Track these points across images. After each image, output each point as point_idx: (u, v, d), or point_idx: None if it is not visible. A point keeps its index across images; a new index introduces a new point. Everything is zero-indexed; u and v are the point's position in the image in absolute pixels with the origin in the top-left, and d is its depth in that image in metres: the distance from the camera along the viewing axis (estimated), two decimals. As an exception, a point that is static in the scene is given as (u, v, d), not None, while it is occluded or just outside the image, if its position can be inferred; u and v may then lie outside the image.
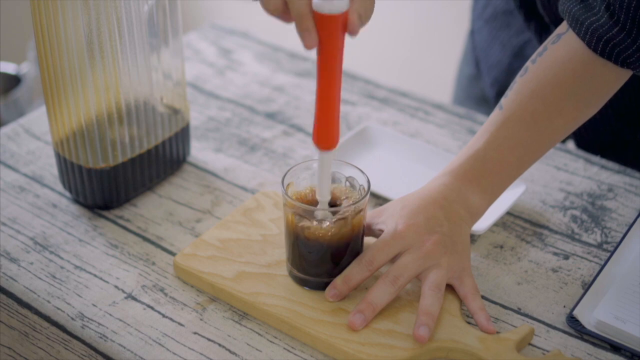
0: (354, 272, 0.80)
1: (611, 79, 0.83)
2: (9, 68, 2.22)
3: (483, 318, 0.79)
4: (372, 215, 0.85)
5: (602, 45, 0.80)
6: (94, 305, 0.84)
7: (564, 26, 0.85)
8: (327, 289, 0.80)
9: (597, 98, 0.85)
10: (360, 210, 0.80)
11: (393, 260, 0.81)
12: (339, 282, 0.80)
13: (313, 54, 1.25)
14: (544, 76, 0.84)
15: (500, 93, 1.21)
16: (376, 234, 0.84)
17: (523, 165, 0.86)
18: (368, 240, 0.85)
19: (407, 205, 0.83)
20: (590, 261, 0.89)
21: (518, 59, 1.17)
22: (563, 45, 0.83)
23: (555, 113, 0.84)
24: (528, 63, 0.86)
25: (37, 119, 1.10)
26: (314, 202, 0.81)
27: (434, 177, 0.86)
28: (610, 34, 0.79)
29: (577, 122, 0.86)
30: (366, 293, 0.79)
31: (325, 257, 0.81)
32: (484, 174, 0.84)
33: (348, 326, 0.78)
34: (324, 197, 0.78)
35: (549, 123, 0.84)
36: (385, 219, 0.83)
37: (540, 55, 0.85)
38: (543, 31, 1.06)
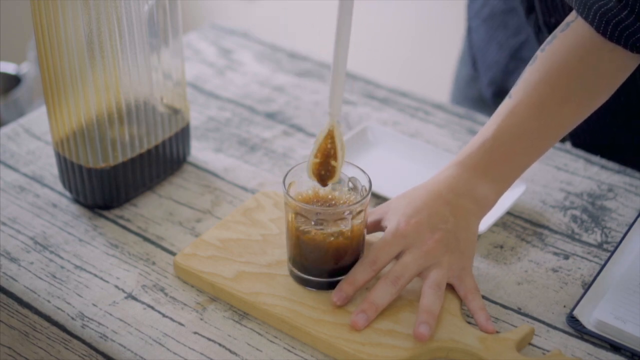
0: (358, 273, 0.80)
1: (620, 65, 0.82)
2: (9, 68, 2.22)
3: (483, 318, 0.79)
4: (378, 211, 0.85)
5: (610, 28, 0.80)
6: (94, 305, 0.84)
7: (572, 15, 0.85)
8: (334, 292, 0.80)
9: (605, 85, 0.84)
10: (361, 211, 0.80)
11: (397, 257, 0.81)
12: (345, 285, 0.80)
13: (313, 54, 1.25)
14: (553, 63, 0.83)
15: (497, 93, 1.21)
16: (383, 230, 0.84)
17: (532, 155, 0.85)
18: (373, 236, 0.85)
19: (411, 202, 0.82)
20: (590, 261, 0.89)
21: (515, 59, 1.17)
22: (572, 32, 0.83)
23: (563, 100, 0.83)
24: (537, 52, 0.85)
25: (37, 119, 1.10)
26: (315, 202, 0.81)
27: (442, 168, 0.85)
28: (619, 17, 0.79)
29: (586, 109, 0.85)
30: (368, 293, 0.79)
31: (326, 256, 0.81)
32: (492, 164, 0.84)
33: (350, 326, 0.78)
34: (335, 111, 0.78)
35: (558, 110, 0.83)
36: (390, 216, 0.83)
37: (549, 44, 0.84)
38: (540, 30, 1.07)
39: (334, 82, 0.77)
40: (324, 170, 0.80)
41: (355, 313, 0.78)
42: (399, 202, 0.83)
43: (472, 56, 1.27)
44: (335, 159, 0.80)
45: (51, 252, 0.90)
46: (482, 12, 1.23)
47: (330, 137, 0.79)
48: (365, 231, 0.82)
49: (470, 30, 1.27)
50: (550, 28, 1.04)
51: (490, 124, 0.85)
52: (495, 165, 0.84)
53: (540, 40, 1.08)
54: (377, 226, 0.85)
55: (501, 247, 0.90)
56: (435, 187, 0.83)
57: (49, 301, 0.84)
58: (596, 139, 1.10)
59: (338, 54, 0.76)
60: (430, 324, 0.76)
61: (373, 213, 0.85)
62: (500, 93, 1.21)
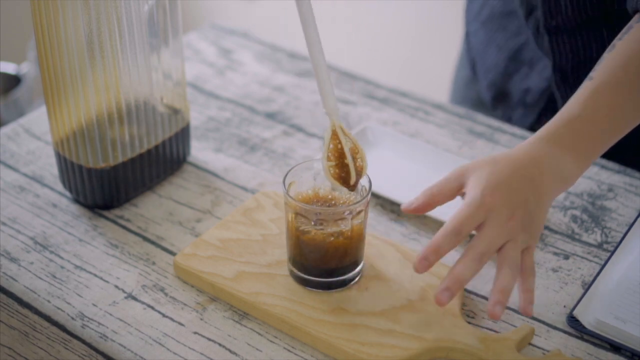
0: (442, 242, 0.77)
1: None
2: (9, 68, 2.22)
3: (526, 300, 0.78)
4: (456, 175, 0.82)
5: None
6: (94, 305, 0.84)
7: None
8: (418, 261, 0.77)
9: None
10: (361, 211, 0.80)
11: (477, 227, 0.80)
12: (430, 253, 0.77)
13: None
14: (632, 49, 0.84)
15: (496, 97, 1.21)
16: (462, 195, 0.82)
17: (617, 133, 0.85)
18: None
19: (495, 172, 0.80)
20: (590, 261, 0.89)
21: (514, 61, 1.17)
22: None
23: None
24: (615, 41, 0.86)
25: (37, 119, 1.10)
26: (315, 202, 0.81)
27: (526, 141, 0.83)
28: None
29: None
30: (452, 268, 0.77)
31: (326, 256, 0.81)
32: (580, 141, 0.83)
33: (435, 301, 0.76)
34: (331, 107, 0.78)
35: (639, 94, 0.84)
36: (472, 184, 0.80)
37: (626, 33, 0.85)
38: (538, 32, 1.06)
39: (320, 82, 0.77)
40: (344, 172, 0.80)
41: (440, 290, 0.76)
42: (481, 171, 0.81)
43: (471, 60, 1.27)
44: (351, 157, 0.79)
45: (51, 252, 0.90)
46: (481, 14, 1.22)
47: (335, 136, 0.79)
48: (365, 231, 0.82)
49: (468, 34, 1.27)
50: (550, 31, 1.03)
51: (573, 103, 0.84)
52: (582, 142, 0.83)
53: (538, 43, 1.08)
54: (458, 192, 0.82)
55: (501, 247, 0.90)
56: (520, 161, 0.81)
57: (49, 301, 0.84)
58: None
59: (313, 53, 0.77)
60: (504, 304, 0.75)
61: (450, 179, 0.82)
62: (499, 96, 1.20)
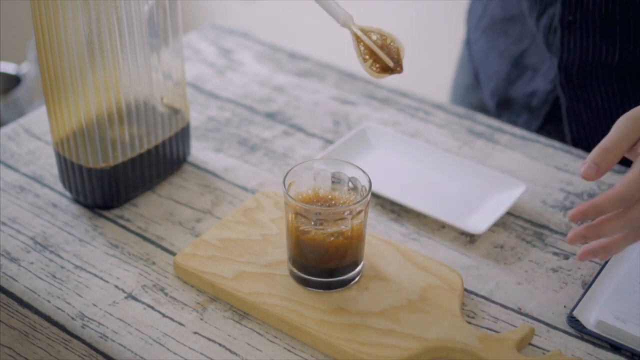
0: (606, 204, 0.73)
1: None
2: (9, 68, 2.22)
3: (585, 251, 0.76)
4: (632, 126, 0.75)
5: None
6: (94, 305, 0.84)
7: None
8: (574, 213, 0.73)
9: None
10: (361, 211, 0.80)
11: None
12: (590, 211, 0.72)
13: (313, 54, 1.25)
14: None
15: (500, 104, 1.20)
16: (632, 149, 0.76)
17: None
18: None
19: None
20: (591, 261, 0.89)
21: (517, 67, 1.16)
22: None
23: None
24: None
25: (37, 119, 1.10)
26: (315, 202, 0.81)
27: None
28: None
29: None
30: (599, 221, 0.73)
31: (326, 256, 0.81)
32: None
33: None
34: (342, 18, 0.77)
35: None
36: None
37: None
38: (549, 30, 1.06)
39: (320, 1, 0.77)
40: (382, 63, 0.80)
41: (578, 233, 0.74)
42: None
43: (474, 69, 1.26)
44: (382, 47, 0.78)
45: (51, 252, 0.90)
46: (482, 22, 1.22)
47: (358, 39, 0.79)
48: (365, 231, 0.82)
49: (469, 43, 1.27)
50: (564, 27, 1.02)
51: None
52: None
53: (548, 43, 1.07)
54: (633, 147, 0.76)
55: (501, 247, 0.90)
56: None
57: (49, 301, 0.84)
58: (596, 139, 1.10)
59: None
60: (584, 239, 0.74)
61: (625, 132, 0.75)
62: (503, 102, 1.20)
